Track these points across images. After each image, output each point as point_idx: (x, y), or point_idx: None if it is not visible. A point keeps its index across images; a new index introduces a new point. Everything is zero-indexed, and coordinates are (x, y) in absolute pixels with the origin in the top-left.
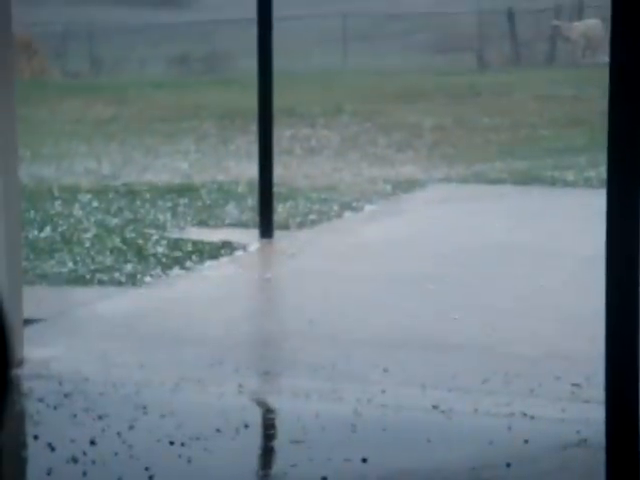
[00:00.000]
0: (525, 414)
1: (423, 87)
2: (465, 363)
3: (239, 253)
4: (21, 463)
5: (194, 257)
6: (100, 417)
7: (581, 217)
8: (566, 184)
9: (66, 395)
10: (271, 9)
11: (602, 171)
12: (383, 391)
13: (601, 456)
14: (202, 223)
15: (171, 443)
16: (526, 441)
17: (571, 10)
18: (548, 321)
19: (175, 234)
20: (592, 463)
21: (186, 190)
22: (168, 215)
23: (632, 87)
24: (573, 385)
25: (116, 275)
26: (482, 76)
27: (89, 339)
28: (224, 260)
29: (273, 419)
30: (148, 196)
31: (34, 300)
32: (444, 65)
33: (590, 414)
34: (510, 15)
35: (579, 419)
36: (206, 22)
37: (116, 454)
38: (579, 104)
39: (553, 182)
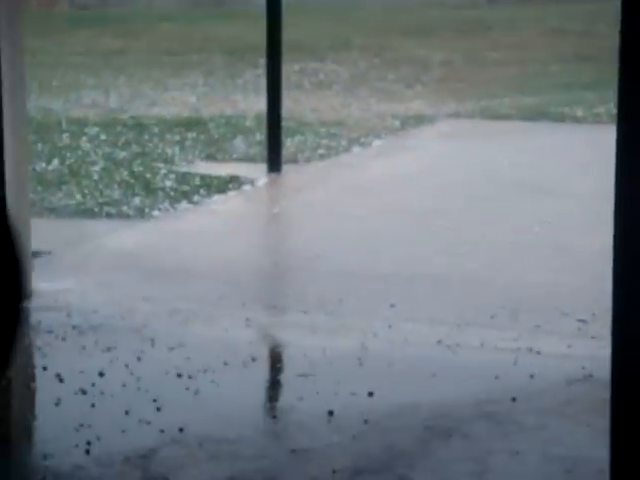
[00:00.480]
0: (531, 349)
1: (432, 22)
2: (472, 298)
3: (247, 187)
4: (30, 394)
5: (202, 191)
6: (108, 349)
7: (589, 153)
8: (575, 120)
9: (74, 327)
10: None
11: (611, 107)
12: (390, 326)
13: (606, 392)
14: (210, 157)
15: (179, 375)
16: (531, 376)
17: None
18: (555, 258)
19: (183, 168)
20: (597, 398)
21: (194, 124)
22: (176, 149)
23: None
24: (579, 321)
25: (124, 208)
26: (492, 10)
27: (97, 272)
28: (232, 194)
29: (280, 353)
30: (156, 129)
31: (42, 233)
32: None
33: (596, 350)
34: None
35: (585, 355)
36: None
37: (124, 386)
38: (589, 39)
39: (562, 118)
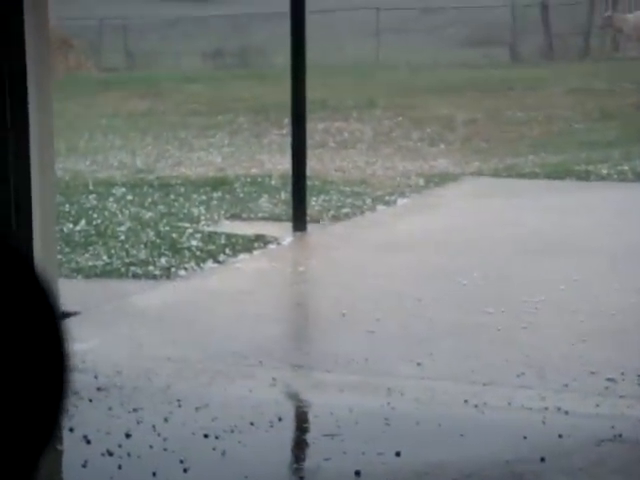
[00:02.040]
0: (559, 409)
1: (456, 81)
2: (498, 357)
3: (272, 246)
4: (57, 456)
5: (227, 250)
6: (135, 410)
7: (613, 211)
8: (600, 178)
9: (101, 388)
10: (304, 2)
11: (636, 164)
12: (416, 385)
13: (636, 451)
14: (235, 216)
15: (205, 436)
16: (560, 436)
17: (604, 2)
18: (582, 316)
19: (209, 227)
20: (627, 458)
21: (220, 183)
22: (202, 208)
23: None
24: (608, 380)
25: (150, 268)
26: (515, 69)
27: (124, 332)
28: (257, 253)
29: (306, 413)
30: (182, 189)
31: (70, 293)
32: (477, 59)
33: (625, 410)
34: (544, 7)
35: (614, 414)
36: (239, 16)
37: (151, 447)
38: (613, 97)
39: (587, 176)
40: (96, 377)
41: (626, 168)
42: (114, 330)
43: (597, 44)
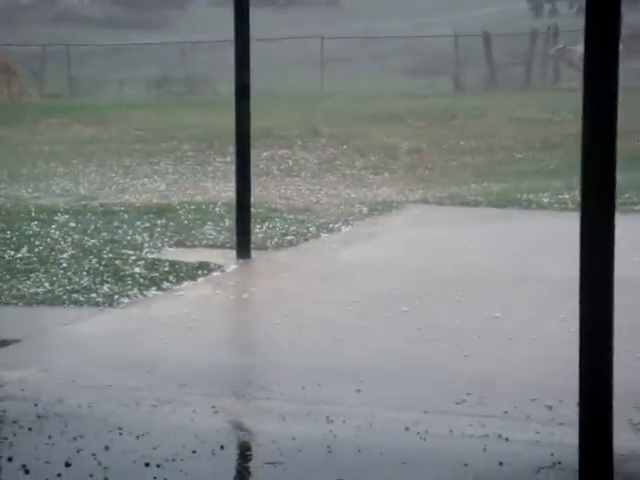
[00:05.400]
0: (500, 436)
1: (400, 110)
2: (439, 384)
3: (216, 273)
4: None
5: (171, 278)
6: (75, 438)
7: (553, 240)
8: (541, 206)
9: (41, 416)
10: (248, 31)
11: (577, 194)
12: (357, 412)
13: (575, 479)
14: (179, 243)
15: (147, 465)
16: (501, 463)
17: (546, 34)
18: (522, 343)
19: (152, 255)
20: None
21: (164, 211)
22: (146, 235)
23: (605, 111)
24: (547, 407)
25: (93, 296)
26: (458, 99)
27: (65, 360)
28: (201, 280)
29: (249, 441)
30: (126, 216)
31: (10, 321)
32: (421, 88)
33: (564, 437)
34: (486, 38)
35: (553, 442)
36: (185, 43)
37: (91, 476)
38: (554, 127)
39: (528, 205)
40: (36, 405)
41: (567, 197)
42: (55, 357)
43: (539, 75)
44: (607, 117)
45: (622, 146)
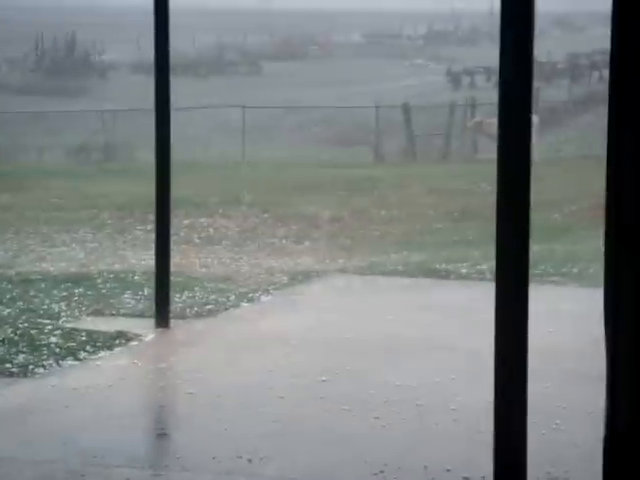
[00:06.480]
0: None
1: (320, 179)
2: (355, 456)
3: (134, 343)
4: None
5: (88, 347)
6: None
7: (471, 309)
8: (460, 277)
9: None
10: (169, 98)
11: (494, 264)
12: None
13: None
14: (97, 312)
15: None
16: None
17: (465, 106)
18: (439, 414)
19: (69, 324)
20: None
21: (82, 279)
22: (63, 304)
23: (519, 182)
24: (464, 479)
25: (7, 366)
26: (379, 169)
27: None
28: (118, 350)
29: None
30: (43, 285)
31: None
32: (341, 158)
33: None
34: (405, 110)
35: None
36: (104, 112)
37: None
38: (472, 198)
39: (447, 275)
40: None
41: (485, 267)
42: None
43: (458, 146)
44: (520, 188)
45: (538, 218)
